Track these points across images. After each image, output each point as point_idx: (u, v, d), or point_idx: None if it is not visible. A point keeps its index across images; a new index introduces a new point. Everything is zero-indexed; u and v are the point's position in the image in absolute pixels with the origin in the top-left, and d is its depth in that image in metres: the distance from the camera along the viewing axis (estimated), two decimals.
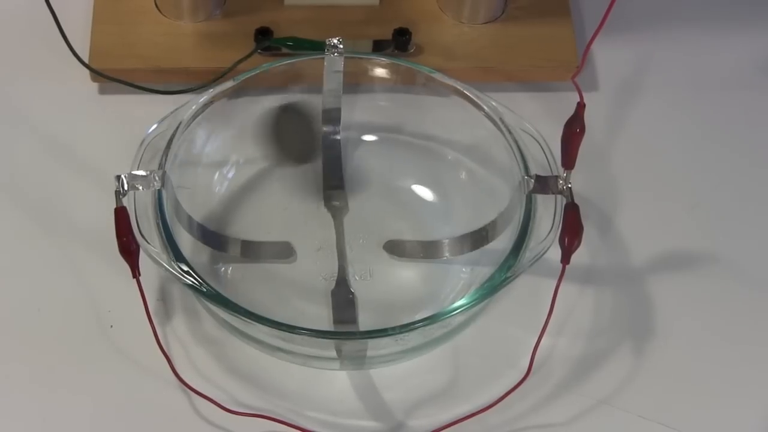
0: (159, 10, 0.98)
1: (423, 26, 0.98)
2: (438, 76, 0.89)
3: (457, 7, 0.98)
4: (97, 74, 0.95)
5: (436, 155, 0.93)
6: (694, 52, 1.01)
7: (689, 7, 1.04)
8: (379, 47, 0.96)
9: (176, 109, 0.86)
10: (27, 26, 0.98)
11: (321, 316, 0.85)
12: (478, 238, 0.88)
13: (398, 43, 0.96)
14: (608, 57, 1.00)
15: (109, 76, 0.94)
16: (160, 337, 0.82)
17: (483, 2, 0.98)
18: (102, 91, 0.97)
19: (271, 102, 0.92)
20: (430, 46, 0.97)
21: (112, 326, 0.86)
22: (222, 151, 0.91)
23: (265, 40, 0.95)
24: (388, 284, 0.88)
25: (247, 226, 0.90)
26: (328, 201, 0.91)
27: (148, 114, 0.87)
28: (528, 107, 0.95)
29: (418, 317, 0.81)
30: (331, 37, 0.90)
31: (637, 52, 1.01)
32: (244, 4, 0.98)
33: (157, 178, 0.83)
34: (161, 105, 0.89)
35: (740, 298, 0.90)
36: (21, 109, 0.96)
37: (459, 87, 0.89)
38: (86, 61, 0.95)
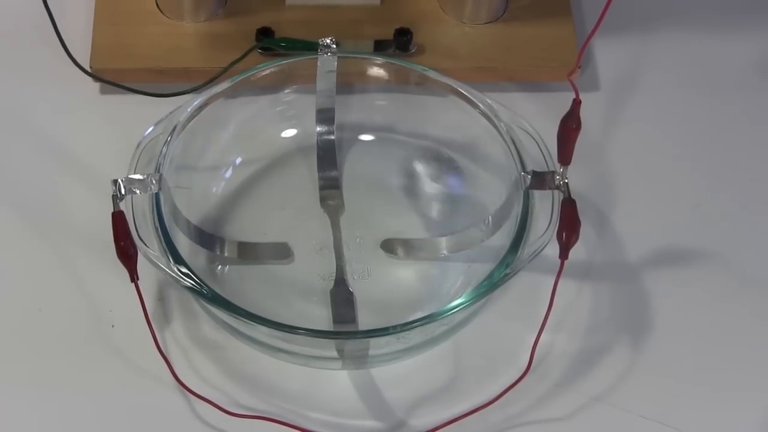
0: (160, 11, 0.98)
1: (424, 26, 0.98)
2: (432, 74, 0.90)
3: (459, 7, 0.98)
4: (95, 79, 0.95)
5: (432, 153, 0.93)
6: (695, 53, 1.01)
7: (689, 8, 1.04)
8: (380, 47, 0.96)
9: (172, 112, 0.86)
10: (29, 25, 0.98)
11: (320, 317, 0.85)
12: (476, 235, 0.88)
13: (399, 43, 0.96)
14: (609, 57, 1.00)
15: (108, 81, 0.95)
16: (159, 340, 0.82)
17: (484, 2, 0.98)
18: (104, 90, 0.96)
19: (266, 102, 0.92)
20: (431, 46, 0.97)
21: (113, 326, 0.86)
22: (218, 152, 0.91)
23: (259, 41, 0.95)
24: (387, 283, 0.88)
25: (244, 227, 0.90)
26: (324, 201, 0.91)
27: (150, 113, 0.87)
28: (529, 107, 0.95)
29: (417, 315, 0.81)
30: (325, 37, 0.90)
31: (638, 52, 1.01)
32: (245, 5, 0.98)
33: (154, 182, 0.83)
34: (164, 104, 0.89)
35: (739, 296, 0.90)
36: (22, 110, 0.95)
37: (454, 85, 0.89)
38: (88, 61, 0.95)
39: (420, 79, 0.90)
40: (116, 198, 0.81)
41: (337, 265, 0.88)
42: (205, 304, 0.84)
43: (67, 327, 0.86)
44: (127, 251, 0.80)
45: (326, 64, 0.90)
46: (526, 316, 0.85)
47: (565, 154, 0.83)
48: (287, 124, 0.94)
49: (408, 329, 0.80)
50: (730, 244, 0.92)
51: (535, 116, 0.89)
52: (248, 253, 0.89)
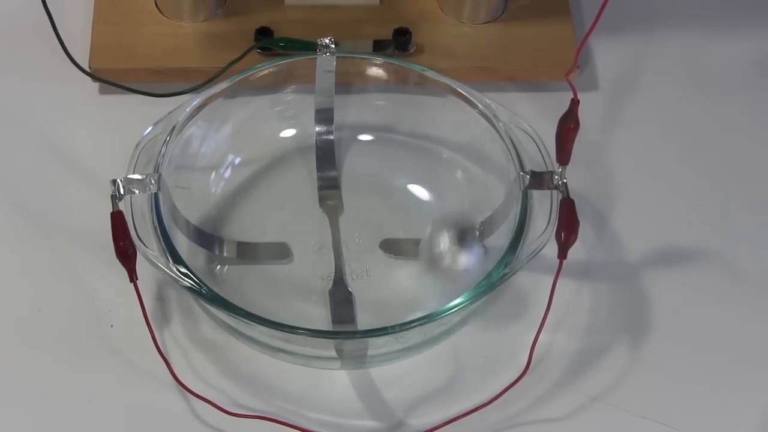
0: (159, 11, 0.98)
1: (423, 26, 0.98)
2: (431, 74, 0.90)
3: (458, 7, 0.98)
4: (94, 79, 0.95)
5: (431, 153, 0.93)
6: (694, 52, 1.01)
7: (688, 7, 1.04)
8: (379, 47, 0.96)
9: (171, 112, 0.86)
10: (28, 25, 0.98)
11: (319, 316, 0.85)
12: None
13: (398, 43, 0.96)
14: (608, 57, 1.00)
15: (107, 81, 0.95)
16: (158, 340, 0.82)
17: (483, 2, 0.98)
18: (102, 90, 0.96)
19: (265, 102, 0.92)
20: (430, 46, 0.97)
21: (112, 326, 0.86)
22: (217, 152, 0.91)
23: (258, 41, 0.95)
24: (386, 283, 0.88)
25: (243, 227, 0.90)
26: (323, 201, 0.91)
27: (149, 113, 0.87)
28: (528, 107, 0.95)
29: (416, 315, 0.81)
30: (324, 37, 0.90)
31: (637, 51, 1.01)
32: (244, 4, 0.99)
33: (153, 182, 0.83)
34: (164, 104, 0.89)
35: (739, 296, 0.90)
36: (21, 109, 0.95)
37: (453, 85, 0.89)
38: (87, 61, 0.95)
39: (419, 79, 0.90)
40: (115, 198, 0.81)
41: (336, 265, 0.88)
42: (205, 304, 0.84)
43: (67, 327, 0.86)
44: (126, 251, 0.80)
45: (325, 63, 0.90)
46: (525, 315, 0.86)
47: (563, 154, 0.83)
48: (286, 124, 0.94)
49: (407, 329, 0.80)
50: (730, 244, 0.92)
51: (534, 116, 0.89)
52: (247, 253, 0.89)
